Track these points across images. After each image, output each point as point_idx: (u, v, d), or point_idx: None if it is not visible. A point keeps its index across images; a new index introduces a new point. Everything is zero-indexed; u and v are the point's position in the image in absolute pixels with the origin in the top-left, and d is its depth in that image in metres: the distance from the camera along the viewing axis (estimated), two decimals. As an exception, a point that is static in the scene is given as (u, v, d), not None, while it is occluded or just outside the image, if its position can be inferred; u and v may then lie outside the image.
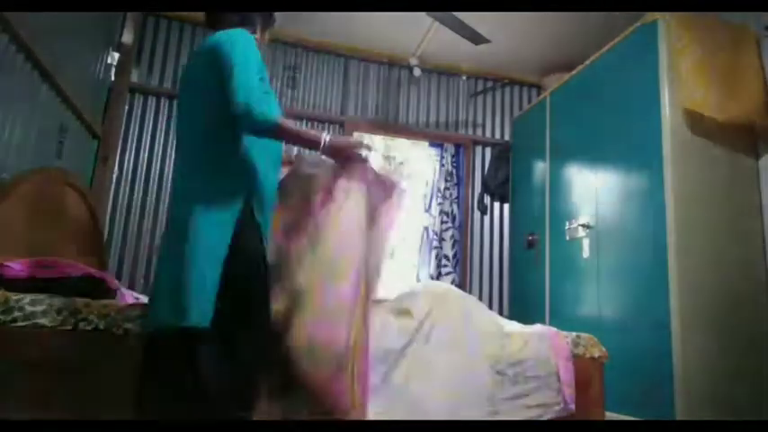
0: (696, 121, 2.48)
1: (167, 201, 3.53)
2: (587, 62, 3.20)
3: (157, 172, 3.56)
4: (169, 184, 3.56)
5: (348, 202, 1.53)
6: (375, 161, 1.62)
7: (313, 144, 1.49)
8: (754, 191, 2.58)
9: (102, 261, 2.86)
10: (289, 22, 3.66)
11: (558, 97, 3.53)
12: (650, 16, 2.65)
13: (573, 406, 1.70)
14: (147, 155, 3.56)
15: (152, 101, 3.63)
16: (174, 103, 3.67)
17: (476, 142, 4.27)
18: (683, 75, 2.48)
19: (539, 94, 4.25)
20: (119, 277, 3.27)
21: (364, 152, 1.58)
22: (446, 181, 4.10)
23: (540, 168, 3.61)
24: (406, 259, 5.21)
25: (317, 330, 1.40)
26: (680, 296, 2.30)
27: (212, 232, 1.32)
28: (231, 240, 1.33)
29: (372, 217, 1.55)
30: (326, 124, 3.95)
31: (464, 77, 4.33)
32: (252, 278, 1.37)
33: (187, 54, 3.75)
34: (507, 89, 4.41)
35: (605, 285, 2.78)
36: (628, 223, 2.67)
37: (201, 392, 1.27)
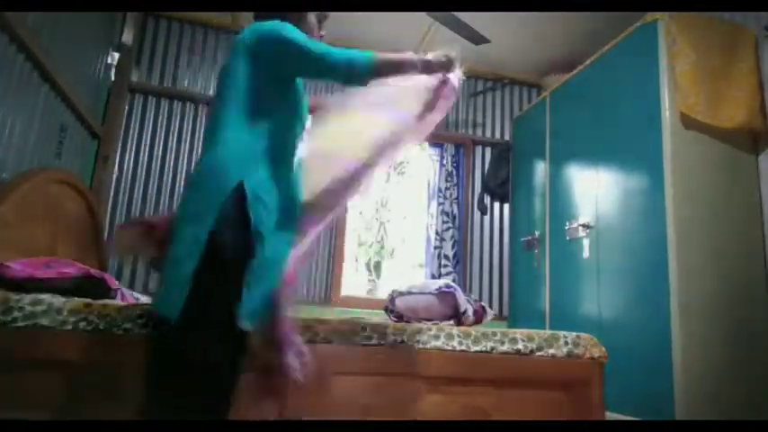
0: (695, 122, 2.48)
1: (167, 200, 3.53)
2: (587, 62, 3.20)
3: (157, 172, 3.56)
4: (169, 184, 3.56)
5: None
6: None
7: (410, 69, 1.48)
8: (754, 191, 2.58)
9: (102, 261, 2.86)
10: (289, 22, 3.66)
11: (558, 97, 3.53)
12: (650, 16, 2.65)
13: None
14: (147, 155, 3.56)
15: (152, 101, 3.63)
16: (174, 102, 3.68)
17: (476, 142, 4.27)
18: (678, 80, 2.49)
19: (539, 94, 4.25)
20: (119, 277, 3.27)
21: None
22: (446, 181, 4.10)
23: (540, 168, 3.61)
24: (407, 259, 5.22)
25: None
26: (680, 296, 2.30)
27: None
28: None
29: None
30: (326, 124, 3.95)
31: (464, 77, 4.32)
32: None
33: (187, 54, 3.75)
34: (507, 89, 4.41)
35: (605, 285, 2.78)
36: (628, 223, 2.67)
37: None
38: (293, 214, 1.44)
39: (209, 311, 1.27)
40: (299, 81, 1.52)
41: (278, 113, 1.43)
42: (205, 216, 1.28)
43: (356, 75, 1.41)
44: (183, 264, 1.26)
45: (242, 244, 1.31)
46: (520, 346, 1.80)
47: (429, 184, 4.23)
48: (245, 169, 1.35)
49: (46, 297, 1.53)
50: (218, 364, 1.29)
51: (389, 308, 2.12)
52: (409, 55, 1.47)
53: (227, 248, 1.29)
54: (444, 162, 4.16)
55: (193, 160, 3.60)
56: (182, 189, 3.54)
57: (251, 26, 1.48)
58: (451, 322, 2.01)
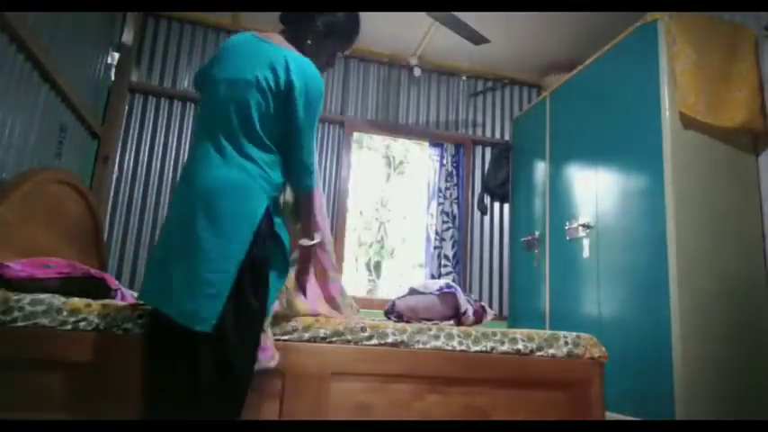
0: (695, 122, 2.48)
1: (167, 200, 3.53)
2: (587, 62, 3.20)
3: (157, 172, 3.56)
4: (169, 184, 3.56)
5: None
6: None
7: (308, 232, 1.61)
8: (754, 191, 2.58)
9: (102, 261, 2.86)
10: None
11: (558, 97, 3.53)
12: (650, 16, 2.66)
13: None
14: (147, 155, 3.56)
15: (152, 101, 3.63)
16: (174, 102, 3.68)
17: (476, 142, 4.27)
18: (677, 79, 2.49)
19: (539, 94, 4.25)
20: (119, 277, 3.27)
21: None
22: (446, 181, 4.10)
23: (540, 168, 3.61)
24: (407, 259, 5.22)
25: None
26: (680, 296, 2.30)
27: None
28: None
29: None
30: (327, 124, 3.96)
31: (464, 77, 4.33)
32: None
33: (187, 54, 3.75)
34: (507, 89, 4.41)
35: (605, 285, 2.78)
36: (628, 223, 2.67)
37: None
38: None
39: (246, 322, 1.35)
40: None
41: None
42: (244, 233, 1.34)
43: (301, 182, 1.53)
44: (219, 278, 1.30)
45: (270, 261, 1.42)
46: (520, 346, 1.80)
47: (429, 184, 4.23)
48: (275, 190, 1.45)
49: (46, 297, 1.53)
50: (248, 371, 1.38)
51: (389, 312, 2.11)
52: (316, 226, 1.64)
53: (263, 265, 1.39)
54: (444, 162, 4.16)
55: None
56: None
57: (301, 62, 1.49)
58: (451, 322, 2.01)
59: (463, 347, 1.76)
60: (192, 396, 1.27)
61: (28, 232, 2.08)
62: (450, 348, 1.74)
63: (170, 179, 3.56)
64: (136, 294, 2.32)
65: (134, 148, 3.54)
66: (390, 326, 1.75)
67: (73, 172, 2.71)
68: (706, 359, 2.28)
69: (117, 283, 2.04)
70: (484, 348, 1.77)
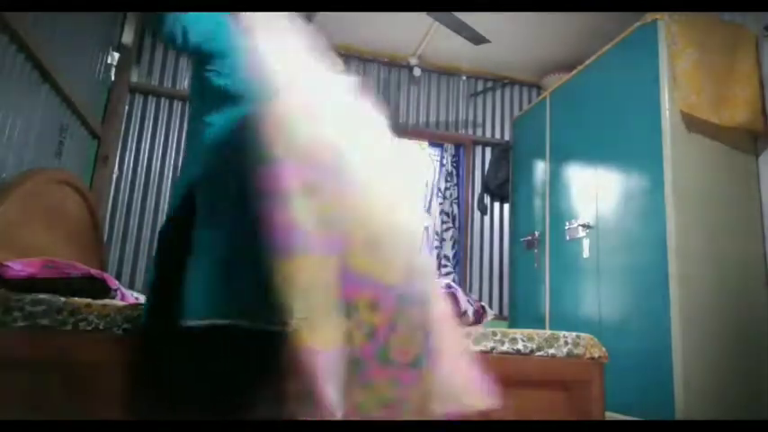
0: (695, 121, 2.49)
1: (167, 200, 3.53)
2: (587, 62, 3.20)
3: (157, 172, 3.56)
4: (169, 184, 3.56)
5: None
6: None
7: None
8: (754, 191, 2.58)
9: (102, 261, 2.86)
10: (289, 22, 3.66)
11: (558, 97, 3.53)
12: (650, 16, 2.65)
13: None
14: (147, 155, 3.56)
15: (152, 101, 3.64)
16: (174, 102, 3.68)
17: (476, 142, 4.27)
18: (678, 78, 2.49)
19: (539, 94, 4.25)
20: (119, 277, 3.27)
21: None
22: (446, 181, 4.10)
23: (540, 168, 3.61)
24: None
25: None
26: (680, 296, 2.30)
27: None
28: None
29: None
30: (326, 124, 3.95)
31: (464, 77, 4.33)
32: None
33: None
34: (507, 89, 4.41)
35: (605, 285, 2.78)
36: (628, 223, 2.67)
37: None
38: (249, 205, 1.15)
39: (159, 312, 1.27)
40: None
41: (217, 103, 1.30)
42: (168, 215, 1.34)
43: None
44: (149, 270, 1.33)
45: (182, 243, 1.19)
46: (520, 346, 1.80)
47: (429, 184, 4.23)
48: (195, 168, 1.26)
49: (46, 297, 1.53)
50: (178, 368, 1.20)
51: None
52: None
53: (166, 249, 1.29)
54: (444, 162, 4.16)
55: (193, 160, 3.59)
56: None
57: None
58: (451, 322, 2.01)
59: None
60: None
61: (28, 232, 2.08)
62: (450, 348, 1.74)
63: (170, 179, 3.56)
64: (136, 294, 2.33)
65: (134, 148, 3.54)
66: (390, 326, 1.74)
67: (73, 172, 2.71)
68: (706, 359, 2.28)
69: (117, 283, 2.04)
70: (484, 348, 1.77)
